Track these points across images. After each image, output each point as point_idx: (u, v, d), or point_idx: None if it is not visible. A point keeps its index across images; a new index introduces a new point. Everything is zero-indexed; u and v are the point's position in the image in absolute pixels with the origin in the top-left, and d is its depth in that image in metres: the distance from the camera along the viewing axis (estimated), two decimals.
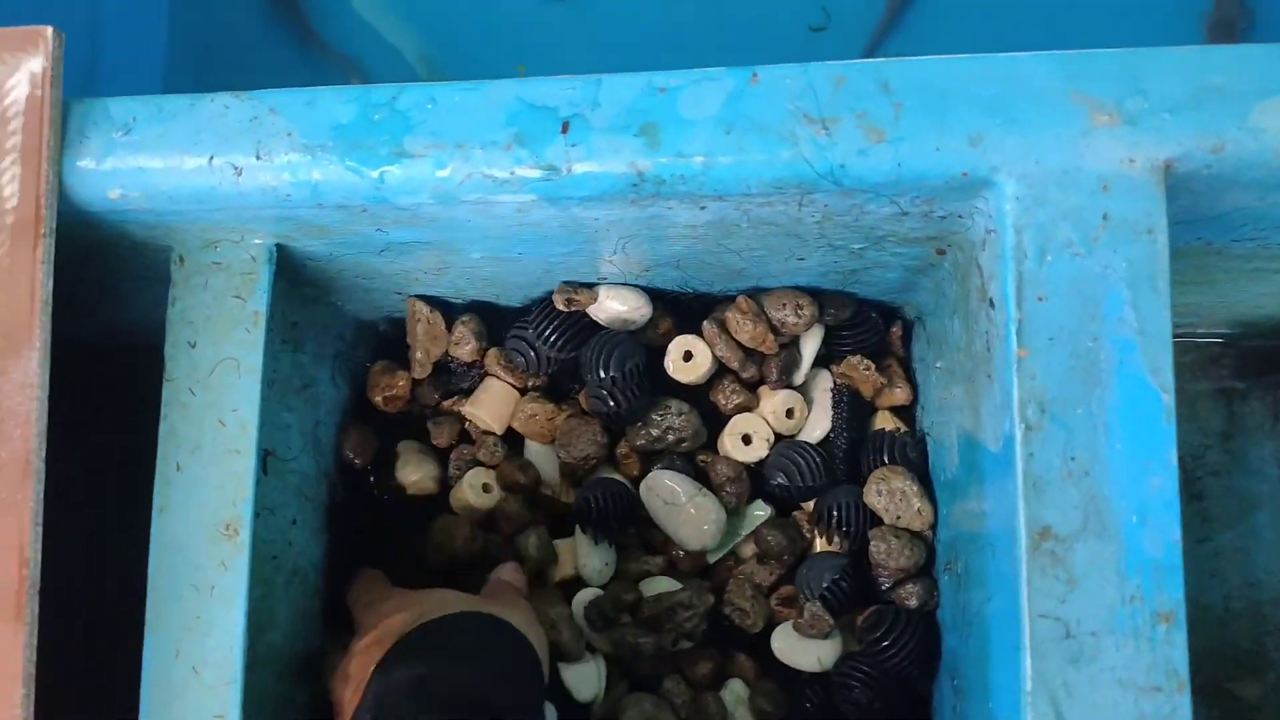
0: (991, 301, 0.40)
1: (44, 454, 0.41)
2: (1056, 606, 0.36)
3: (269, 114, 0.42)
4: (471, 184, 0.41)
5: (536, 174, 0.40)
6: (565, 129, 0.40)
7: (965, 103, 0.38)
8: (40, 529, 0.41)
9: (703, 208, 0.43)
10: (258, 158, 0.42)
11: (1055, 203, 0.38)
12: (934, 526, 0.58)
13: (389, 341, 0.68)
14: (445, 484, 0.64)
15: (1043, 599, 0.36)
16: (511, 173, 0.40)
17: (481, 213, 0.44)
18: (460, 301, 0.64)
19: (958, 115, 0.38)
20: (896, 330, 0.63)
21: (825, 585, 0.58)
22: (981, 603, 0.44)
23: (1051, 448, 0.37)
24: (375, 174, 0.41)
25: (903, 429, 0.61)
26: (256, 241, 0.50)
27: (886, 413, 0.63)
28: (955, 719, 0.52)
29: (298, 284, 0.55)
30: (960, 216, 0.43)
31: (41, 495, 0.41)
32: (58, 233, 0.42)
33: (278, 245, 0.50)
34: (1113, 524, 0.36)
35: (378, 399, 0.65)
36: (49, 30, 0.42)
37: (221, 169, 0.42)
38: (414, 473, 0.63)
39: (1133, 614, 0.36)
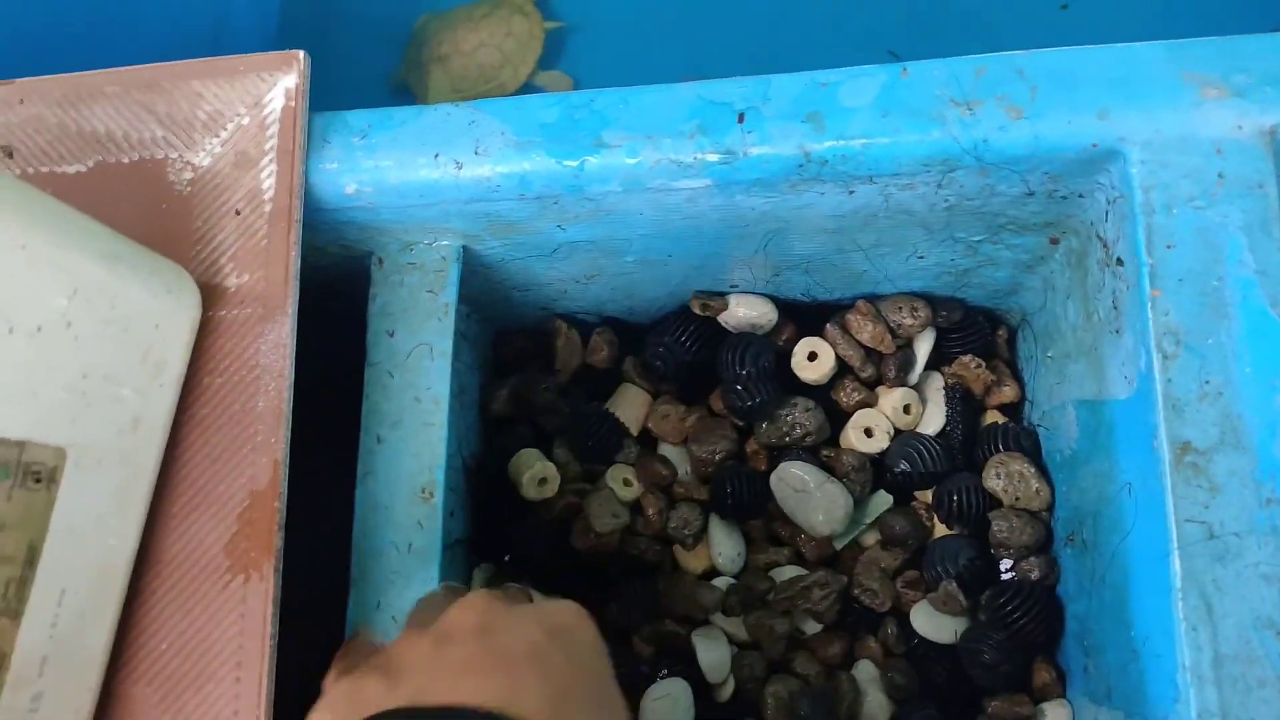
0: (1120, 259, 0.46)
1: (291, 405, 0.47)
2: (1201, 511, 0.41)
3: (484, 117, 0.49)
4: (658, 170, 0.48)
5: (716, 158, 0.47)
6: (741, 119, 0.47)
7: (1091, 84, 0.45)
8: (288, 470, 0.47)
9: (851, 192, 0.50)
10: (476, 153, 0.49)
11: (1176, 165, 0.44)
12: (1051, 507, 0.62)
13: (524, 356, 0.74)
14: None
15: (1188, 505, 0.41)
16: (695, 157, 0.47)
17: (655, 203, 0.51)
18: (594, 319, 0.71)
19: (1086, 94, 0.45)
20: (1002, 333, 0.69)
21: (962, 564, 0.62)
22: (1118, 544, 0.49)
23: (1188, 373, 0.42)
24: (576, 163, 0.48)
25: (1013, 424, 0.66)
26: (446, 243, 0.57)
27: (995, 411, 0.68)
28: (1089, 676, 0.55)
29: (466, 298, 0.62)
30: (1081, 196, 0.49)
31: (289, 440, 0.47)
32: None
33: (464, 246, 0.57)
34: (1247, 437, 0.41)
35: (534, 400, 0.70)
36: (300, 53, 0.50)
37: (445, 164, 0.49)
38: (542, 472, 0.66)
39: (1271, 515, 0.40)
